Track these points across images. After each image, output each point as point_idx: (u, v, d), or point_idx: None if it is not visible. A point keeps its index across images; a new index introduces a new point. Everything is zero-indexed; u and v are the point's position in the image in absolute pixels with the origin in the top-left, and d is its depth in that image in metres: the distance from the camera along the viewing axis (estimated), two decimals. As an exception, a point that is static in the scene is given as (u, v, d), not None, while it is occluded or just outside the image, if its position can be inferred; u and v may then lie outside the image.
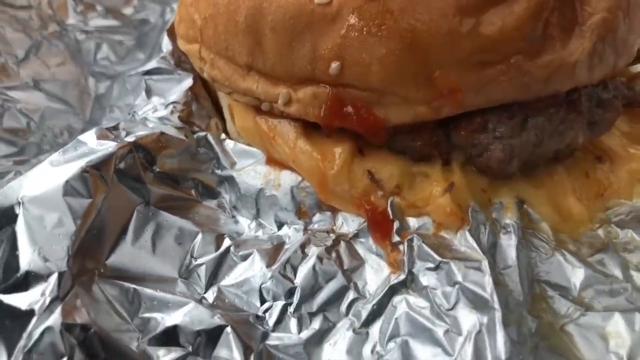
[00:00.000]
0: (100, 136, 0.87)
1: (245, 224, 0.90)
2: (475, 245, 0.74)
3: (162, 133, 0.93)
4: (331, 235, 0.84)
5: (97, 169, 0.81)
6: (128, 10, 1.26)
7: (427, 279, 0.73)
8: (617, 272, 0.75)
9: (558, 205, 0.81)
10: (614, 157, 0.86)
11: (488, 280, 0.69)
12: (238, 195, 0.92)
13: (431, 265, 0.74)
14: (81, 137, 0.87)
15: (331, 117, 0.80)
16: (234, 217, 0.92)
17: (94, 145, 0.85)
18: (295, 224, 0.88)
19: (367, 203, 0.80)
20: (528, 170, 0.82)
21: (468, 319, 0.69)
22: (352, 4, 0.75)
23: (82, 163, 0.80)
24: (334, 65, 0.77)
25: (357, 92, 0.78)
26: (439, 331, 0.69)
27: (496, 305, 0.67)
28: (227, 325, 0.74)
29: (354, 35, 0.75)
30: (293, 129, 0.86)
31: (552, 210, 0.81)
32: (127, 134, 0.91)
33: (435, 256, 0.74)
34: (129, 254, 0.82)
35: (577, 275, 0.75)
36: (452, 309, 0.70)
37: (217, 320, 0.75)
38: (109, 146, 0.85)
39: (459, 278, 0.71)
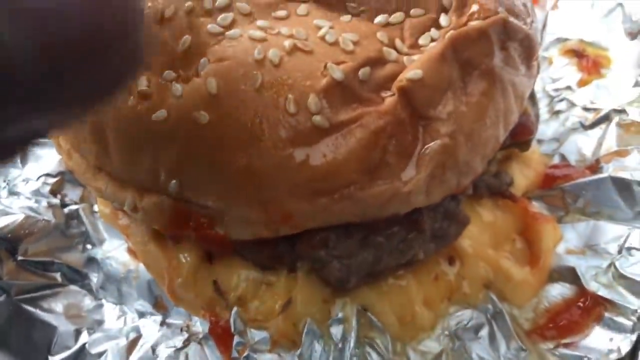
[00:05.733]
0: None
1: (110, 309, 0.92)
2: (301, 373, 0.76)
3: (26, 217, 0.93)
4: (184, 332, 0.86)
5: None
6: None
7: (254, 400, 0.77)
8: (440, 391, 0.79)
9: (402, 313, 0.83)
10: (465, 258, 0.87)
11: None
12: (105, 278, 0.94)
13: (258, 388, 0.77)
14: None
15: (174, 228, 0.80)
16: (100, 299, 0.93)
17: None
18: (153, 315, 0.90)
19: (212, 314, 0.82)
20: (372, 281, 0.83)
21: None
22: (185, 125, 0.74)
23: None
24: (173, 182, 0.76)
25: (198, 209, 0.78)
26: None
27: None
28: None
29: (189, 157, 0.74)
30: (145, 230, 0.86)
31: (395, 318, 0.83)
32: (-11, 221, 0.91)
33: (264, 379, 0.77)
34: (-15, 351, 0.84)
35: (404, 392, 0.78)
36: None
37: None
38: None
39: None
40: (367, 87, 0.75)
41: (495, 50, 0.79)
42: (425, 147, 0.74)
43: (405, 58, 0.77)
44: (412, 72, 0.74)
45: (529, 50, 0.85)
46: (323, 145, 0.72)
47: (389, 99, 0.74)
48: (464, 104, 0.76)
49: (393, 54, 0.77)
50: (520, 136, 0.93)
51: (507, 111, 0.81)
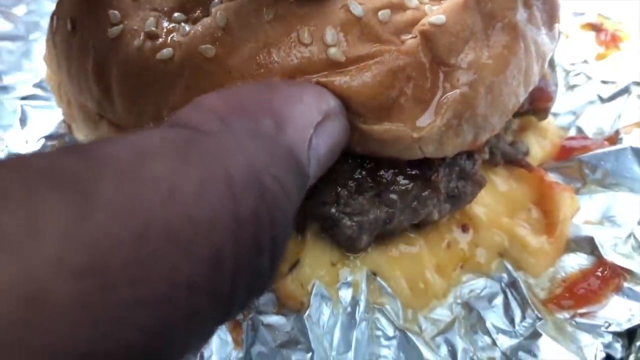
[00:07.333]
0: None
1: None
2: (309, 332, 0.72)
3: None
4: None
5: None
6: (20, 10, 1.17)
7: (259, 363, 0.73)
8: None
9: (413, 279, 0.80)
10: (479, 226, 0.83)
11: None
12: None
13: (264, 350, 0.73)
14: None
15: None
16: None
17: None
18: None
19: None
20: (382, 241, 0.80)
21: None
22: (191, 60, 0.70)
23: None
24: (178, 128, 0.72)
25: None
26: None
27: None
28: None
29: (194, 95, 0.69)
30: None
31: (405, 284, 0.79)
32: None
33: (270, 341, 0.73)
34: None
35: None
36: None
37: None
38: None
39: (282, 368, 0.70)
40: (386, 28, 0.71)
41: (519, 6, 0.76)
42: (444, 95, 0.71)
43: (426, 6, 0.74)
44: (435, 17, 0.70)
45: (551, 11, 0.82)
46: (335, 77, 0.68)
47: (410, 40, 0.70)
48: (485, 56, 0.72)
49: (414, 1, 0.74)
50: (540, 102, 0.89)
51: (528, 69, 0.77)
